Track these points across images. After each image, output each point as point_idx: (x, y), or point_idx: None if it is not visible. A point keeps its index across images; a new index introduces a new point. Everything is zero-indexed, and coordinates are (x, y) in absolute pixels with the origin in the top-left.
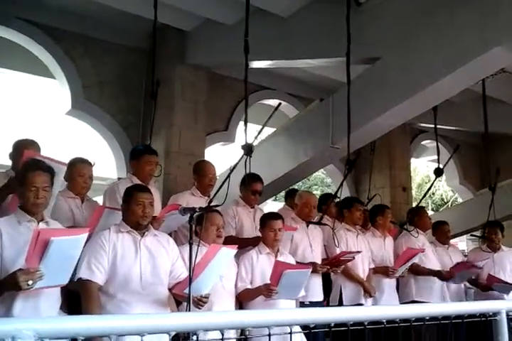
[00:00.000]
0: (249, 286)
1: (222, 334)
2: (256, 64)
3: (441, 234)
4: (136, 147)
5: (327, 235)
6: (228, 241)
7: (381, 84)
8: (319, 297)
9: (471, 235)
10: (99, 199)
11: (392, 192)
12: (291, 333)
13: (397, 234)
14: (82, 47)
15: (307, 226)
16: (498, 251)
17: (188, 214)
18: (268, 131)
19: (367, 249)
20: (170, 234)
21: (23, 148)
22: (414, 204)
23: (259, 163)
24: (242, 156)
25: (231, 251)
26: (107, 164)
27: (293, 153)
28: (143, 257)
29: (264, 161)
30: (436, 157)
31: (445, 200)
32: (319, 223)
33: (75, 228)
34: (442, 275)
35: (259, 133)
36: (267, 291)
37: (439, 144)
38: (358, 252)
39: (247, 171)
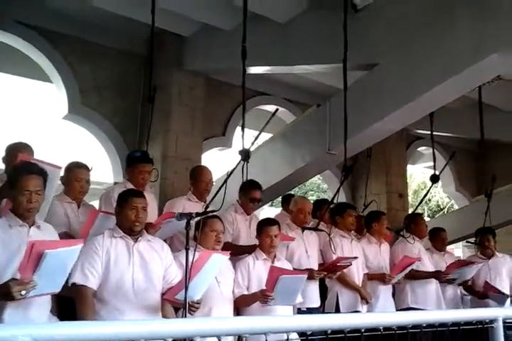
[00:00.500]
0: (245, 292)
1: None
2: (253, 69)
3: (438, 240)
4: (132, 153)
5: (323, 241)
6: (225, 247)
7: (378, 91)
8: (316, 303)
9: (467, 242)
10: (96, 204)
11: (389, 199)
12: (287, 340)
13: (393, 240)
14: (79, 51)
15: (302, 232)
16: (493, 257)
17: (185, 220)
18: (265, 136)
19: (361, 254)
20: (165, 240)
21: (16, 152)
22: (410, 211)
23: (256, 169)
24: (239, 162)
25: (222, 257)
26: (104, 168)
27: (290, 159)
28: (135, 263)
29: (261, 167)
30: (432, 163)
31: (441, 207)
32: (315, 229)
33: (69, 236)
34: (440, 276)
35: (256, 138)
36: (262, 297)
37: (435, 151)
38: (355, 258)
39: (244, 176)
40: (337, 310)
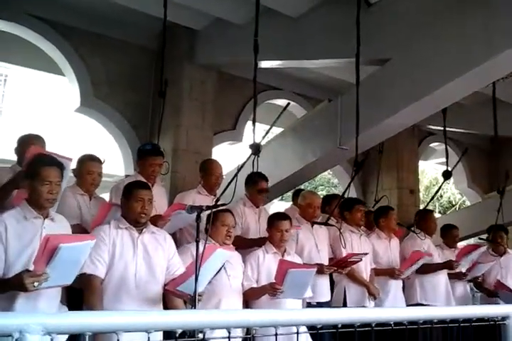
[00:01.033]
0: (254, 285)
1: (229, 333)
2: (265, 64)
3: (450, 237)
4: (143, 146)
5: (333, 236)
6: (235, 241)
7: (390, 86)
8: (326, 297)
9: (479, 238)
10: (106, 197)
11: (400, 194)
12: (297, 333)
13: (404, 236)
14: (91, 44)
15: (312, 226)
16: (505, 254)
17: (195, 213)
18: (276, 131)
19: (370, 250)
20: (175, 233)
21: (28, 143)
22: (421, 207)
23: (267, 163)
24: (250, 156)
25: (227, 252)
26: (115, 161)
27: (300, 154)
28: (139, 255)
29: (272, 161)
30: (444, 159)
31: (453, 203)
32: (325, 223)
33: (82, 229)
34: (452, 264)
35: (267, 132)
36: (272, 290)
37: (447, 147)
38: (365, 254)
39: (255, 171)
40: (344, 305)
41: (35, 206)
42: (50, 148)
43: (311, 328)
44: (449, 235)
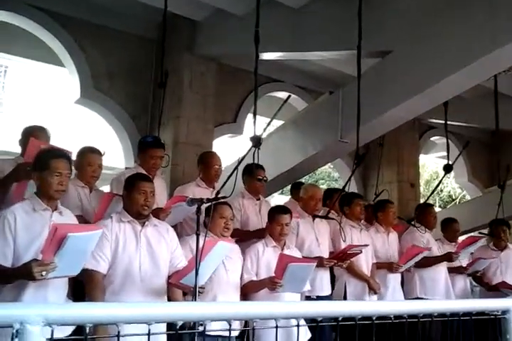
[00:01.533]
0: (254, 278)
1: (230, 325)
2: (266, 56)
3: (450, 231)
4: (145, 138)
5: (333, 229)
6: (233, 234)
7: (392, 78)
8: (327, 291)
9: (480, 233)
10: (107, 189)
11: (400, 188)
12: (298, 326)
13: (404, 230)
14: (91, 35)
15: (313, 220)
16: (505, 249)
17: (196, 206)
18: (277, 123)
19: (371, 244)
20: (175, 226)
21: (32, 135)
22: (421, 201)
23: (267, 156)
24: (251, 148)
25: (228, 245)
26: (115, 153)
27: (301, 147)
28: (142, 249)
29: (272, 154)
30: (444, 153)
31: (453, 197)
32: (326, 217)
33: (84, 220)
34: (451, 256)
35: (267, 125)
36: (271, 284)
37: (448, 140)
38: (365, 245)
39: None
40: (344, 300)
41: (44, 198)
42: (51, 140)
43: (312, 321)
44: (449, 229)
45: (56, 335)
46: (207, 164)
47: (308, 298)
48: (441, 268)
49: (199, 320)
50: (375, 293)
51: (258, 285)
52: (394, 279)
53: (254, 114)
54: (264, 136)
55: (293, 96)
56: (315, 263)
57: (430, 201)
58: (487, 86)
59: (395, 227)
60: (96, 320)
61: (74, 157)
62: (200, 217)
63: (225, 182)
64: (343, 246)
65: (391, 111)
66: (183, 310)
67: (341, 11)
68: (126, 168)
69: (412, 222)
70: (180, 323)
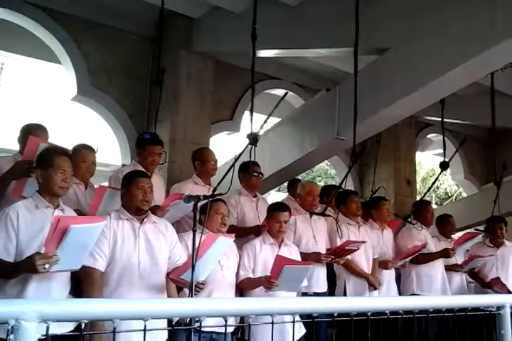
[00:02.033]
0: (251, 275)
1: (226, 321)
2: (263, 53)
3: (446, 227)
4: (143, 135)
5: (330, 226)
6: (229, 230)
7: (388, 76)
8: (323, 288)
9: (476, 229)
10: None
11: (397, 185)
12: (294, 322)
13: (401, 227)
14: (88, 32)
15: (310, 217)
16: (501, 246)
17: (192, 202)
18: (274, 120)
19: (370, 241)
20: (173, 223)
21: (30, 133)
22: (418, 198)
23: (264, 153)
24: (247, 145)
25: (228, 239)
26: (111, 150)
27: (298, 144)
28: (141, 246)
29: (269, 151)
30: (441, 151)
31: (449, 194)
32: (323, 214)
33: (81, 214)
34: (448, 252)
35: (264, 122)
36: (267, 283)
37: (445, 138)
38: (363, 242)
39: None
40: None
41: (46, 195)
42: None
43: (308, 317)
44: (444, 224)
45: (57, 331)
46: (203, 159)
47: (304, 295)
48: (438, 265)
49: (195, 316)
50: (375, 289)
51: (254, 283)
52: (389, 275)
53: (251, 111)
54: (261, 133)
55: (290, 93)
56: (311, 266)
57: (427, 198)
58: (484, 83)
59: (391, 224)
60: (92, 316)
61: None
62: (196, 215)
63: (222, 180)
64: (339, 243)
65: (388, 108)
66: (179, 307)
67: (338, 9)
68: (122, 165)
69: (409, 219)
70: (176, 319)
